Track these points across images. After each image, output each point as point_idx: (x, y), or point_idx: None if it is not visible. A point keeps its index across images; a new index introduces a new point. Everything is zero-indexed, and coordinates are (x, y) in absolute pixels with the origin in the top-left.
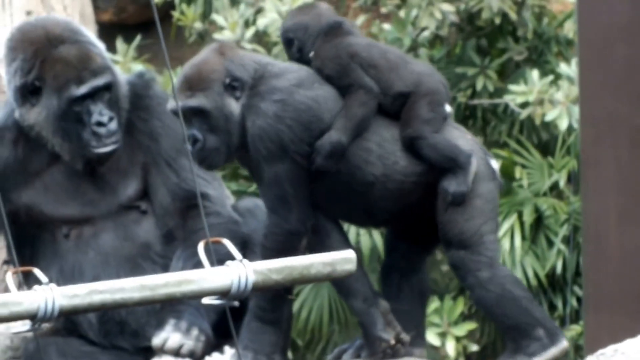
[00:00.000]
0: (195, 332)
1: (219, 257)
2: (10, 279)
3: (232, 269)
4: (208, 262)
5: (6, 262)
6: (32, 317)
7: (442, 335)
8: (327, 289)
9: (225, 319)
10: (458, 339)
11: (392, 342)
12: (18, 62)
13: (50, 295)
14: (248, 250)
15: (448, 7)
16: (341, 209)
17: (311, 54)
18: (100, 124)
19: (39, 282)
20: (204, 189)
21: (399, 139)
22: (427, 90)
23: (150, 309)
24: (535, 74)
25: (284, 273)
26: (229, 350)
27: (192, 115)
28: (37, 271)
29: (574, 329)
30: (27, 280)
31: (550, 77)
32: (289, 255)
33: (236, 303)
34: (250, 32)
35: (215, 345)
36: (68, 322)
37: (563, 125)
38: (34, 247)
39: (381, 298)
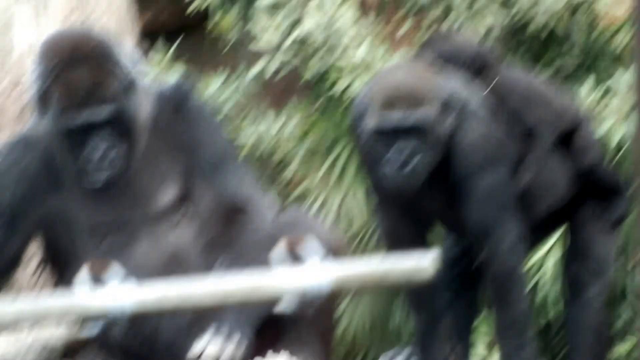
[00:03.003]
0: (237, 337)
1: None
2: (85, 275)
3: (310, 272)
4: (285, 264)
5: (42, 262)
6: (103, 316)
7: (490, 345)
8: (365, 301)
9: (267, 324)
10: None
11: None
12: (39, 70)
13: (122, 296)
14: None
15: (496, 15)
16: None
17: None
18: (91, 156)
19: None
20: (247, 195)
21: (561, 166)
22: (586, 120)
23: (181, 322)
24: (584, 87)
25: (363, 277)
26: (271, 355)
27: (408, 132)
28: (114, 267)
29: (630, 340)
30: (62, 283)
31: (600, 91)
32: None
33: (313, 306)
34: (288, 42)
35: (257, 351)
36: (97, 336)
37: (614, 139)
38: (68, 252)
39: (444, 316)
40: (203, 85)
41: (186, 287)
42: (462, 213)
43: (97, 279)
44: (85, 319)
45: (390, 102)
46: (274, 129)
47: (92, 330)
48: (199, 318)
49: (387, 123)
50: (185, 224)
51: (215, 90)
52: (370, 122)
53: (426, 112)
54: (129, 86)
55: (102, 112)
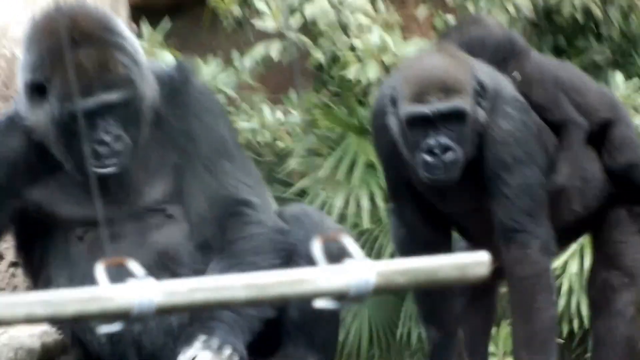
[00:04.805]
0: (227, 351)
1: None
2: (101, 271)
3: (353, 268)
4: (324, 261)
5: (14, 264)
6: (125, 315)
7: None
8: (368, 309)
9: (259, 339)
10: None
11: None
12: (31, 55)
13: (147, 290)
14: (293, 262)
15: (523, 1)
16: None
17: (514, 74)
18: (102, 142)
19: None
20: (246, 195)
21: (594, 164)
22: (624, 113)
23: (167, 327)
24: (619, 77)
25: (409, 275)
26: None
27: (444, 120)
28: (132, 263)
29: None
30: (37, 283)
31: (636, 81)
32: (547, 284)
33: (353, 306)
34: (295, 21)
35: None
36: (76, 341)
37: None
38: (45, 249)
39: (459, 328)
40: (198, 69)
41: (219, 280)
42: (490, 212)
43: (114, 275)
44: (107, 315)
45: (424, 90)
46: (275, 119)
47: (111, 327)
48: (188, 323)
49: (423, 110)
50: (175, 222)
51: (212, 74)
52: (403, 111)
53: (462, 99)
54: (138, 65)
55: (113, 95)
